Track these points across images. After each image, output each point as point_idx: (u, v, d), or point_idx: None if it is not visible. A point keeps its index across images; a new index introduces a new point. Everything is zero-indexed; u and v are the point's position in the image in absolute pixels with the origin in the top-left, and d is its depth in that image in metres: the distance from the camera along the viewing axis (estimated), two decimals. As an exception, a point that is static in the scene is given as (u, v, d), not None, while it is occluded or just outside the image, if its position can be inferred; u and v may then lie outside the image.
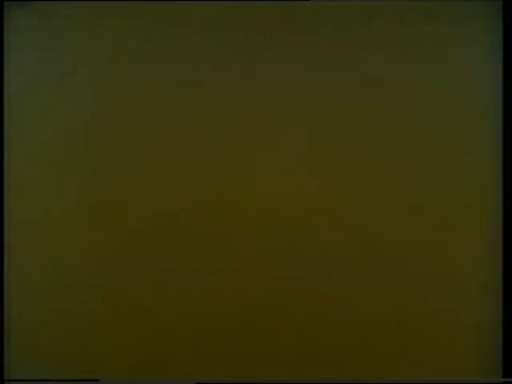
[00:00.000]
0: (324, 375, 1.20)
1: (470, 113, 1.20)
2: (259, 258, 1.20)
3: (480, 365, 1.19)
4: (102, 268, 1.22)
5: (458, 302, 1.19)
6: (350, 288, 1.20)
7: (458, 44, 1.21)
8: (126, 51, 1.23)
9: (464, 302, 1.19)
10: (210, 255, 1.21)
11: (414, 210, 1.20)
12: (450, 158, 1.20)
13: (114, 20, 1.23)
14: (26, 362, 1.22)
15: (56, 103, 1.23)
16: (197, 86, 1.22)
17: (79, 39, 1.24)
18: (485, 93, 1.20)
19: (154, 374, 1.21)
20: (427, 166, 1.20)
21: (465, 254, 1.19)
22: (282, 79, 1.22)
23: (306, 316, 1.20)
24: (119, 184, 1.22)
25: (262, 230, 1.21)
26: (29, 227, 1.23)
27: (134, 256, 1.22)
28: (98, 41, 1.23)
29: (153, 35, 1.23)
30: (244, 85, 1.22)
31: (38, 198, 1.23)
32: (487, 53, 1.20)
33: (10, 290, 1.22)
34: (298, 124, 1.21)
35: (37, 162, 1.23)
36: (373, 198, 1.20)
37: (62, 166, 1.23)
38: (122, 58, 1.23)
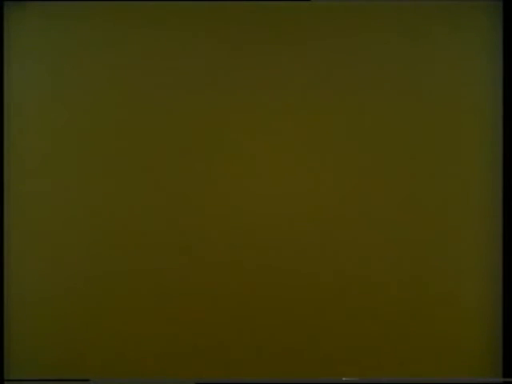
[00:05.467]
0: (324, 373, 1.20)
1: (470, 112, 1.20)
2: (259, 257, 1.21)
3: (480, 364, 1.19)
4: (102, 267, 1.22)
5: (458, 302, 1.19)
6: (348, 283, 1.20)
7: (458, 44, 1.21)
8: (127, 51, 1.23)
9: (463, 303, 1.19)
10: (209, 256, 1.21)
11: (415, 207, 1.20)
12: (450, 157, 1.20)
13: (114, 20, 1.23)
14: (25, 361, 1.22)
15: (56, 103, 1.23)
16: (195, 89, 1.23)
17: (79, 39, 1.24)
18: (485, 93, 1.20)
19: (154, 373, 1.22)
20: (427, 164, 1.20)
21: (465, 254, 1.19)
22: (281, 85, 1.22)
23: (306, 311, 1.20)
24: (118, 188, 1.23)
25: (261, 232, 1.21)
26: (28, 228, 1.23)
27: (133, 256, 1.22)
28: (99, 41, 1.23)
29: (153, 35, 1.23)
30: (243, 91, 1.23)
31: (38, 200, 1.23)
32: (487, 53, 1.20)
33: (10, 291, 1.22)
34: (296, 126, 1.21)
35: (36, 161, 1.23)
36: (376, 195, 1.20)
37: (61, 166, 1.23)
38: (123, 58, 1.23)
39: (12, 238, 1.23)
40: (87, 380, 1.20)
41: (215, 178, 1.22)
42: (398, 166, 1.20)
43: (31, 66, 1.24)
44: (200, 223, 1.21)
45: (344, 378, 1.19)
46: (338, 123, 1.21)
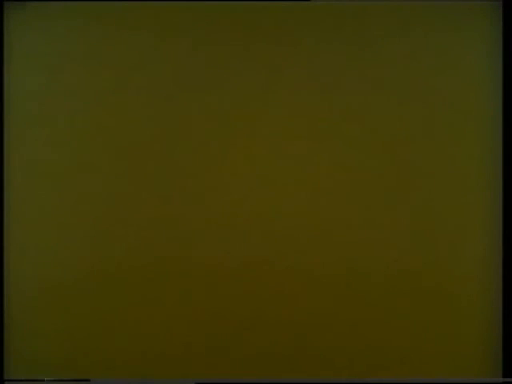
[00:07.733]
0: (323, 373, 1.20)
1: (470, 112, 1.20)
2: (258, 256, 1.21)
3: (480, 364, 1.19)
4: (103, 267, 1.22)
5: (458, 302, 1.19)
6: (346, 283, 1.20)
7: (458, 44, 1.21)
8: (127, 51, 1.23)
9: (463, 303, 1.19)
10: (209, 254, 1.21)
11: (414, 207, 1.20)
12: (450, 157, 1.20)
13: (114, 20, 1.23)
14: (25, 361, 1.22)
15: (56, 103, 1.23)
16: (195, 90, 1.23)
17: (79, 39, 1.24)
18: (485, 93, 1.20)
19: (154, 373, 1.22)
20: (427, 164, 1.20)
21: (465, 253, 1.19)
22: (281, 85, 1.22)
23: (306, 310, 1.20)
24: (118, 183, 1.23)
25: (260, 230, 1.21)
26: (28, 226, 1.23)
27: (134, 253, 1.22)
28: (99, 41, 1.23)
29: (155, 35, 1.23)
30: (243, 93, 1.23)
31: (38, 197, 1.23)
32: (487, 53, 1.20)
33: (10, 291, 1.23)
34: (296, 125, 1.22)
35: (36, 163, 1.24)
36: (376, 194, 1.20)
37: (61, 164, 1.23)
38: (123, 58, 1.23)
39: (12, 238, 1.23)
40: (88, 380, 1.20)
41: (215, 177, 1.22)
42: (397, 166, 1.20)
43: (31, 66, 1.24)
44: (201, 220, 1.21)
45: (344, 378, 1.19)
46: (337, 123, 1.21)
